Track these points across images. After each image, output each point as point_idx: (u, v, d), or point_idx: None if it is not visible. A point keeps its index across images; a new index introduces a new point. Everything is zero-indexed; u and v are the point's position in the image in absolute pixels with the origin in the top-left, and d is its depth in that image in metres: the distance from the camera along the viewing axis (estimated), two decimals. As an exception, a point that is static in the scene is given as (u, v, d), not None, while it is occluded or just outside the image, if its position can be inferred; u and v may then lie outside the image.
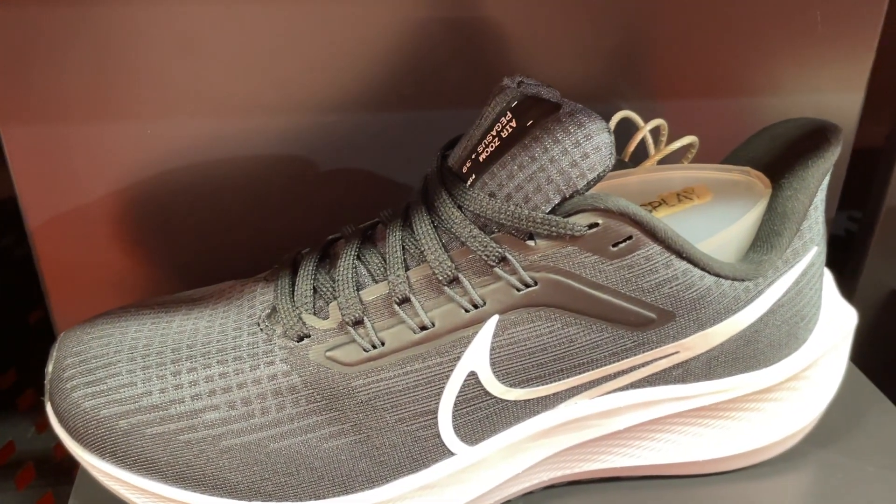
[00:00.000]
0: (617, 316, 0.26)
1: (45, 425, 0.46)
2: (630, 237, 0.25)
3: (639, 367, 0.28)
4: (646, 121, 0.35)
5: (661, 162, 0.34)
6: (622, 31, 0.36)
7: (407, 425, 0.27)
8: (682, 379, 0.28)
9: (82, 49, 0.33)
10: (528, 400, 0.27)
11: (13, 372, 0.49)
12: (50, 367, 0.29)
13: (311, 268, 0.29)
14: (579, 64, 0.37)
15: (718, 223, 0.30)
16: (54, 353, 0.29)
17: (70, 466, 0.44)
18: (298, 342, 0.27)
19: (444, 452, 0.27)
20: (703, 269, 0.26)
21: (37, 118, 0.33)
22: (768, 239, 0.29)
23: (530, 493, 0.30)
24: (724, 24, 0.37)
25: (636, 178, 0.32)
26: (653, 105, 0.38)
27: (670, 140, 0.34)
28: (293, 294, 0.28)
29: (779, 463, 0.32)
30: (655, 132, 0.36)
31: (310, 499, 0.27)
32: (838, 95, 0.39)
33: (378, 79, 0.35)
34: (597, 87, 0.37)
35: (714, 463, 0.31)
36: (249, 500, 0.26)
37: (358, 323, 0.27)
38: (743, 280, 0.27)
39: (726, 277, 0.27)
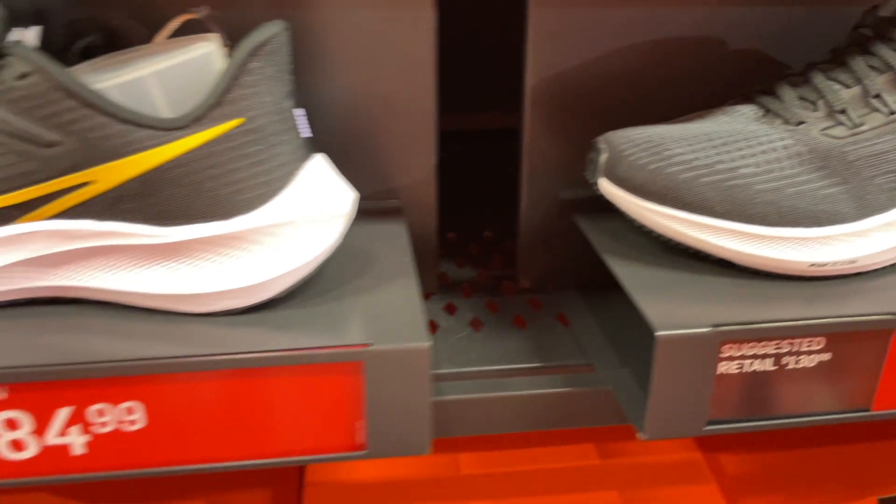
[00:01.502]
0: None
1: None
2: None
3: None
4: None
5: None
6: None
7: (879, 179, 0.39)
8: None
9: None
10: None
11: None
12: (604, 155, 0.42)
13: (787, 87, 0.42)
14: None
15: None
16: (604, 145, 0.42)
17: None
18: (797, 126, 0.40)
19: (900, 201, 0.40)
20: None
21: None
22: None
23: None
24: None
25: None
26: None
27: None
28: (780, 102, 0.41)
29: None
30: None
31: (813, 225, 0.39)
32: None
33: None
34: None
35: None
36: (772, 226, 0.39)
37: (842, 112, 0.40)
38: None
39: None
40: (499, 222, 0.65)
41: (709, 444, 0.58)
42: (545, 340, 0.51)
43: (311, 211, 0.36)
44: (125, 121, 0.34)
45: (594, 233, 0.47)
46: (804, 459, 0.57)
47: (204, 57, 0.35)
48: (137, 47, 0.39)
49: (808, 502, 0.54)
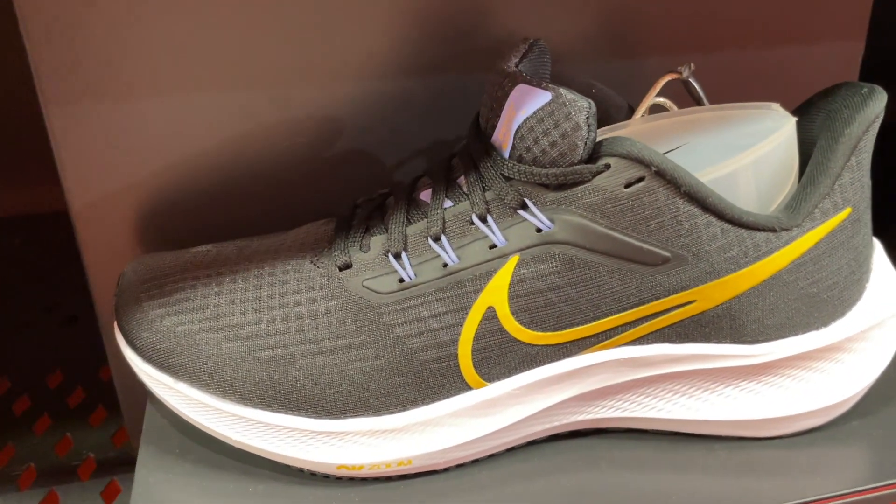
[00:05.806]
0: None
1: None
2: None
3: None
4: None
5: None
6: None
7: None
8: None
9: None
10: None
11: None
12: None
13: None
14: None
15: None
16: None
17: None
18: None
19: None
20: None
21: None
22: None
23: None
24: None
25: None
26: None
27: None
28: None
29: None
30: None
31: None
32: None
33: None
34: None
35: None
36: None
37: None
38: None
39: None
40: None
41: None
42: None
43: (893, 306, 0.31)
44: (744, 225, 0.27)
45: None
46: None
47: (789, 137, 0.29)
48: (659, 117, 0.32)
49: None
